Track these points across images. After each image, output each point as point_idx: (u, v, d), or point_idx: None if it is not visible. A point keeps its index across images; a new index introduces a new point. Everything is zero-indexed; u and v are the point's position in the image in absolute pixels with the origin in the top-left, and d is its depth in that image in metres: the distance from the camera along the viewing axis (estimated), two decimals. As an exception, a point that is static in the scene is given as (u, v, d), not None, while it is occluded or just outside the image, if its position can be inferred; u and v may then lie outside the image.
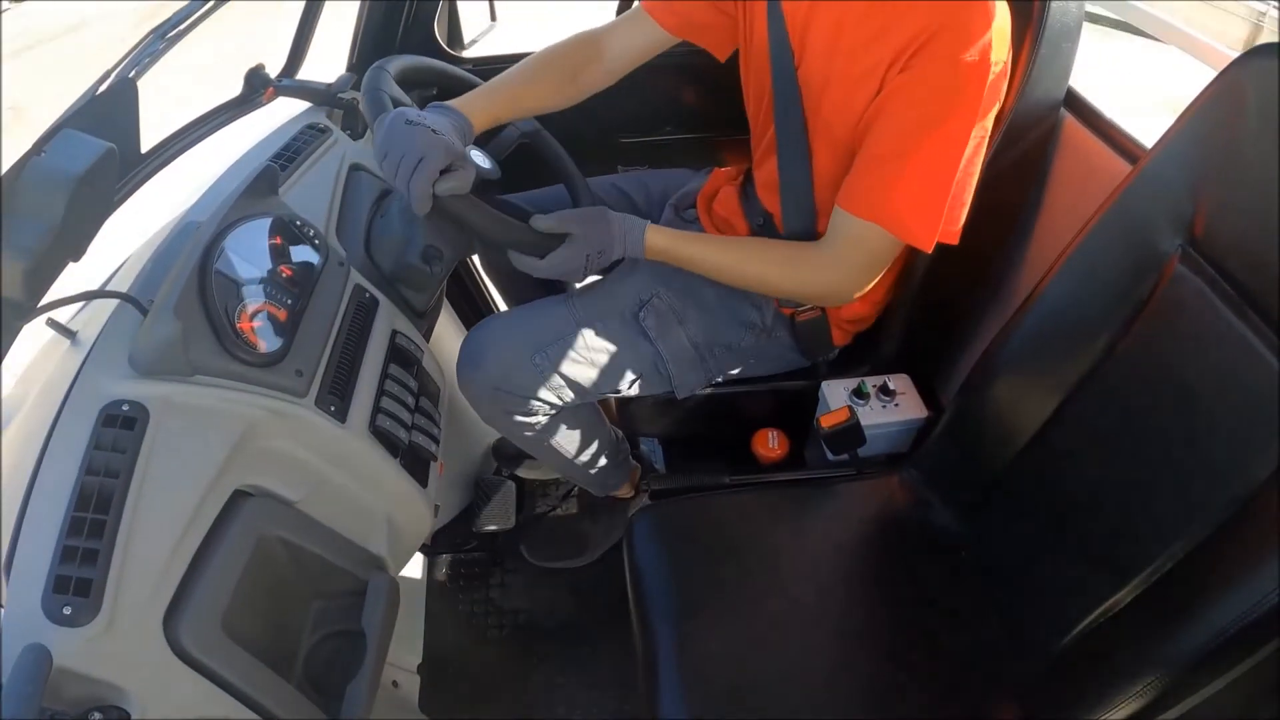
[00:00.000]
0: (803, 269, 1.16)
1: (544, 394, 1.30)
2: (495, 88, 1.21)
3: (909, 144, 1.04)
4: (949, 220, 1.09)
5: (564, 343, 1.28)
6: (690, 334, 1.32)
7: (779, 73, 1.17)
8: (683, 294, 1.31)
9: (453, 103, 1.13)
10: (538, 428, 1.36)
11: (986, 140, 1.07)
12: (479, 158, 1.11)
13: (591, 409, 1.44)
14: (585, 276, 1.16)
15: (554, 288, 1.67)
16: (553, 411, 1.35)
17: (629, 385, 1.35)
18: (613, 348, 1.30)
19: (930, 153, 1.03)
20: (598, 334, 1.29)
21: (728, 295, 1.33)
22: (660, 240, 1.15)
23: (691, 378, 1.36)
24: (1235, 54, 0.86)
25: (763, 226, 1.32)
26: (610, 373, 1.32)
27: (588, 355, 1.29)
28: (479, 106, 1.15)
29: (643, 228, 1.14)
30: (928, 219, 1.06)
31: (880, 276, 1.16)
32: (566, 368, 1.28)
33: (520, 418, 1.34)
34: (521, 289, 1.69)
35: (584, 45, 1.28)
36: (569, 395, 1.32)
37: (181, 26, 1.10)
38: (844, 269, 1.14)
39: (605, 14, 1.65)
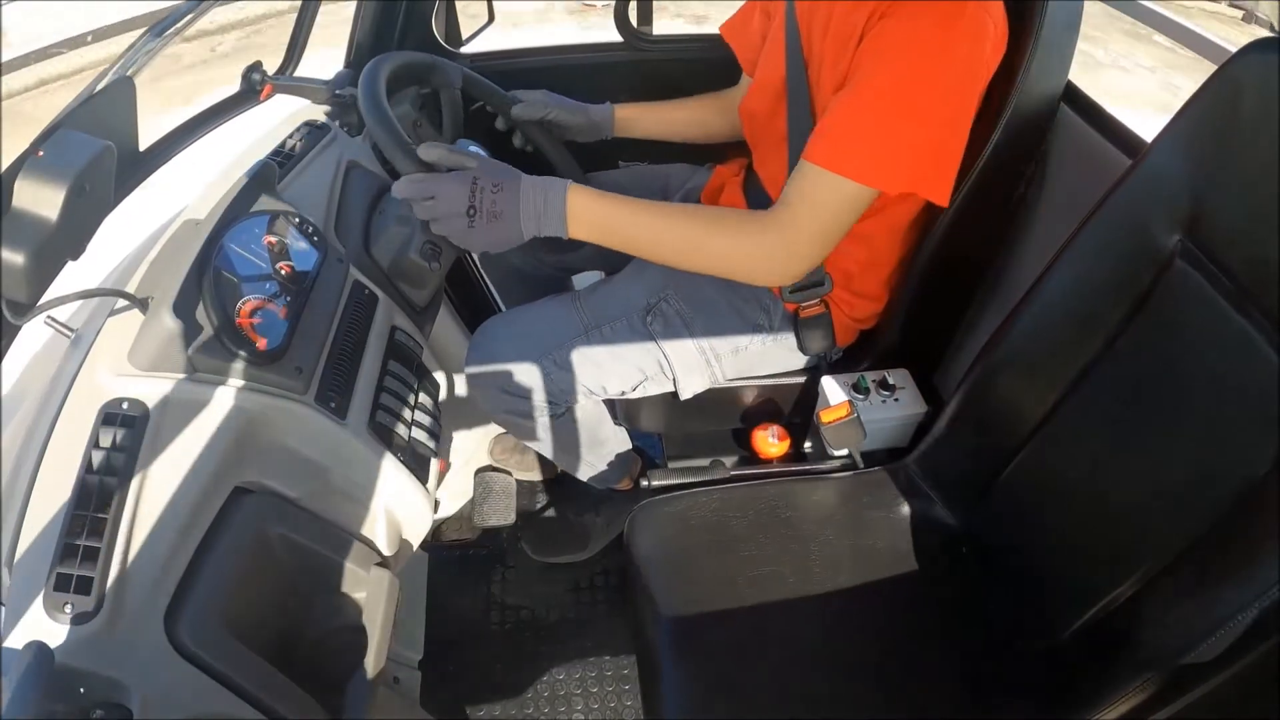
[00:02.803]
0: (752, 234, 1.06)
1: (551, 396, 1.30)
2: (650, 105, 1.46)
3: (879, 89, 1.01)
4: (933, 173, 1.04)
5: (571, 345, 1.28)
6: (697, 338, 1.32)
7: (792, 64, 1.18)
8: (691, 298, 1.31)
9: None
10: (544, 426, 1.37)
11: (978, 102, 1.06)
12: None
13: (596, 405, 1.45)
14: (466, 228, 1.01)
15: (556, 286, 1.68)
16: (560, 411, 1.35)
17: (635, 388, 1.35)
18: (620, 351, 1.30)
19: (901, 96, 1.00)
20: (605, 337, 1.30)
21: (736, 299, 1.33)
22: (583, 199, 1.03)
23: (696, 380, 1.36)
24: (1234, 49, 0.86)
25: None
26: (617, 375, 1.32)
27: (595, 359, 1.29)
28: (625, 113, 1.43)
29: (564, 184, 1.03)
30: (893, 160, 1.01)
31: (832, 247, 1.09)
32: (574, 371, 1.29)
33: (527, 417, 1.34)
34: (521, 287, 1.69)
35: (731, 91, 1.48)
36: (576, 397, 1.33)
37: (179, 25, 1.10)
38: (797, 231, 1.05)
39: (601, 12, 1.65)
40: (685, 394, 1.37)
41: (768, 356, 1.39)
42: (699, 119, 1.48)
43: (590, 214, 1.04)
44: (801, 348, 1.37)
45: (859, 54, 1.04)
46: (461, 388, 1.37)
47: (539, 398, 1.30)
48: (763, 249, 1.07)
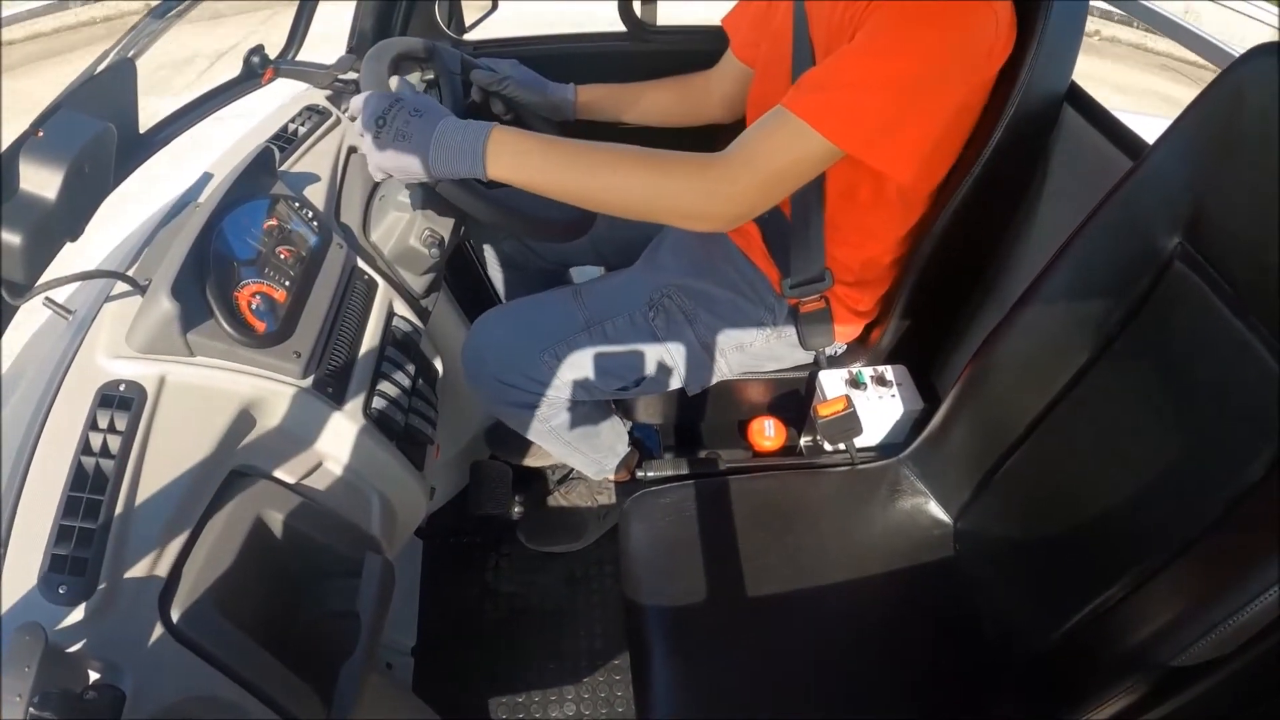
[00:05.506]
0: (694, 173, 1.00)
1: (549, 390, 1.30)
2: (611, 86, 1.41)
3: (859, 50, 0.99)
4: (888, 144, 1.00)
5: (572, 341, 1.28)
6: (700, 335, 1.32)
7: (799, 54, 1.16)
8: (694, 294, 1.31)
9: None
10: (540, 419, 1.37)
11: (967, 98, 1.05)
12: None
13: (593, 400, 1.45)
14: (372, 140, 0.96)
15: (552, 279, 1.67)
16: (556, 405, 1.35)
17: (635, 385, 1.34)
18: (621, 348, 1.29)
19: (875, 61, 0.98)
20: (607, 334, 1.29)
21: (739, 296, 1.33)
22: (508, 135, 0.98)
23: (701, 376, 1.36)
24: (1237, 53, 0.85)
25: (768, 223, 1.31)
26: (617, 373, 1.32)
27: (595, 355, 1.28)
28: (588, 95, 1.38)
29: (490, 125, 0.98)
30: (852, 116, 0.98)
31: (776, 199, 1.04)
32: (574, 366, 1.28)
33: (524, 409, 1.34)
34: (523, 278, 1.69)
35: (696, 77, 1.43)
36: (577, 393, 1.32)
37: (181, 7, 1.10)
38: (747, 170, 1.00)
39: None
40: (693, 390, 1.37)
41: (772, 352, 1.39)
42: (665, 102, 1.42)
43: (513, 148, 0.97)
44: (802, 343, 1.37)
45: (855, 29, 1.03)
46: (459, 375, 1.37)
47: (535, 391, 1.30)
48: (704, 186, 1.00)
